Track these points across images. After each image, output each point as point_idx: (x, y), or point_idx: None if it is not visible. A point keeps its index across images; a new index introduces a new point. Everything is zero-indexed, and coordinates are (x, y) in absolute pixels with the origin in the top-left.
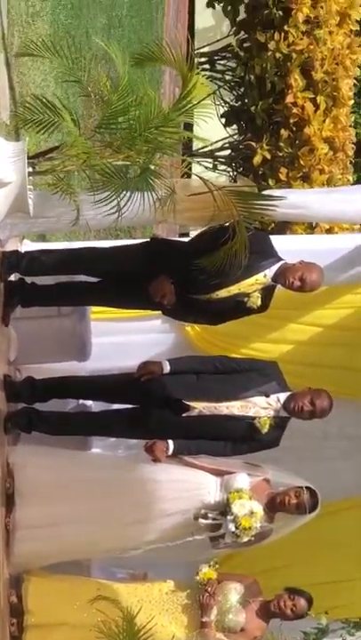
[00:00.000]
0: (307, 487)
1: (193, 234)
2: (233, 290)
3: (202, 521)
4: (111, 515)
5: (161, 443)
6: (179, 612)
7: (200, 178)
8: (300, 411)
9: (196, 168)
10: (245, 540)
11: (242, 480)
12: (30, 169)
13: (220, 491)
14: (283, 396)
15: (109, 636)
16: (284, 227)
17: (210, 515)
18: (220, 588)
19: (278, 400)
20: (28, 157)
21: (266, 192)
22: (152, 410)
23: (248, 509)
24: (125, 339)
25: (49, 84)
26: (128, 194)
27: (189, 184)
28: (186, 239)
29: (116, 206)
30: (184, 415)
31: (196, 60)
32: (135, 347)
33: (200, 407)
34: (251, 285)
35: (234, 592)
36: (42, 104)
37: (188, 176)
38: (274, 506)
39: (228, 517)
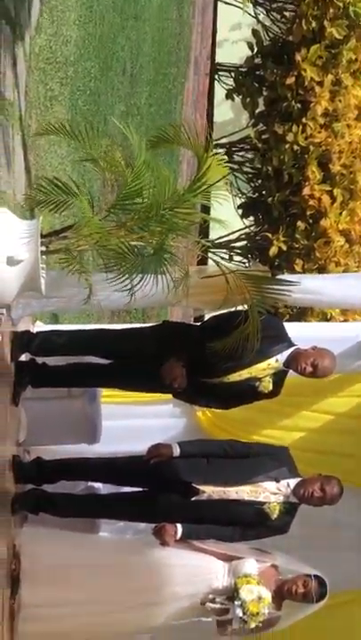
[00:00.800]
0: (315, 576)
1: (208, 317)
2: (244, 374)
3: (209, 605)
4: (116, 598)
5: (170, 526)
6: None
7: (214, 260)
8: (310, 497)
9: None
10: (253, 625)
11: (250, 566)
12: (43, 248)
13: (228, 576)
14: (293, 482)
15: None
16: (299, 317)
17: (217, 599)
18: None
19: (288, 485)
20: (42, 236)
21: (279, 277)
22: (161, 493)
23: (256, 595)
24: (136, 423)
25: (65, 168)
26: (141, 275)
27: (204, 269)
28: (198, 323)
29: (128, 287)
30: (193, 499)
31: (213, 150)
32: (145, 431)
33: (209, 491)
34: (263, 370)
35: None
36: (55, 185)
37: (204, 262)
38: (281, 593)
39: (236, 602)
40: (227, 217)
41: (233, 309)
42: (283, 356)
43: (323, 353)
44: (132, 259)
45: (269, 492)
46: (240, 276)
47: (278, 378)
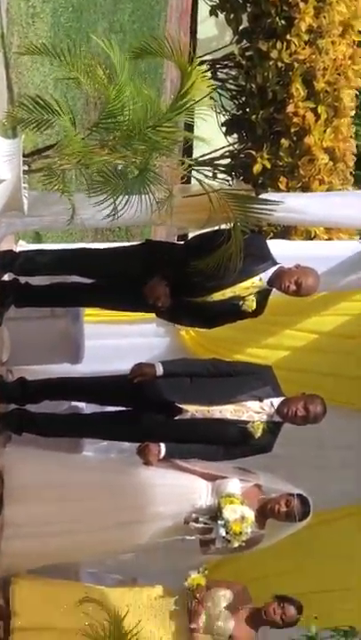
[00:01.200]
0: (298, 495)
1: (192, 236)
2: (228, 293)
3: (193, 524)
4: (100, 517)
5: (153, 446)
6: (167, 617)
7: (198, 180)
8: (294, 416)
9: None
10: (236, 545)
11: (233, 485)
12: (26, 167)
13: (212, 495)
14: (276, 401)
15: None
16: (283, 236)
17: (201, 519)
18: (209, 594)
19: (272, 405)
20: (24, 155)
21: (263, 195)
22: (144, 412)
23: (239, 514)
24: (119, 342)
25: (47, 86)
26: (124, 195)
27: (188, 188)
28: (182, 242)
29: (112, 207)
30: (176, 418)
31: (197, 66)
32: (129, 350)
33: (193, 410)
34: (246, 289)
35: (223, 599)
36: (37, 103)
37: (188, 181)
38: (264, 512)
39: (219, 522)
40: (210, 135)
41: (216, 228)
42: (266, 275)
43: (306, 271)
44: (115, 178)
45: (253, 412)
46: (223, 195)
47: (262, 297)
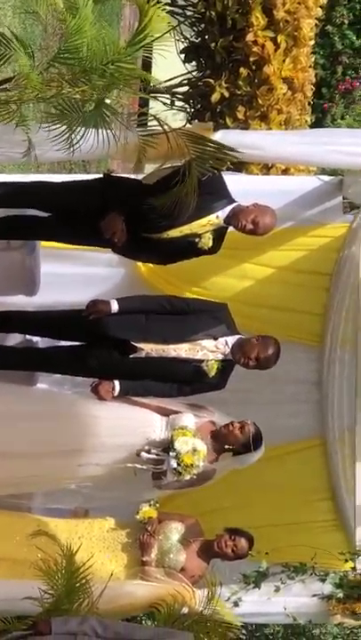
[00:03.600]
0: (251, 422)
1: (148, 171)
2: (185, 230)
3: (144, 455)
4: (51, 444)
5: (107, 383)
6: (119, 550)
7: (155, 118)
8: (246, 364)
9: (153, 104)
10: (187, 477)
11: (187, 419)
12: None
13: (166, 429)
14: (231, 340)
15: (48, 573)
16: (240, 166)
17: (153, 450)
18: (160, 527)
19: (227, 344)
20: None
21: (221, 130)
22: (99, 349)
23: (191, 446)
24: (75, 270)
25: (6, 14)
26: (83, 129)
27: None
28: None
29: (68, 141)
30: (131, 356)
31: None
32: (85, 280)
33: (148, 349)
34: (203, 226)
35: (175, 531)
36: None
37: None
38: (218, 439)
39: (171, 454)
40: (169, 62)
41: (173, 167)
42: (223, 213)
43: (264, 210)
44: (71, 111)
45: (207, 350)
46: (180, 135)
47: (218, 234)
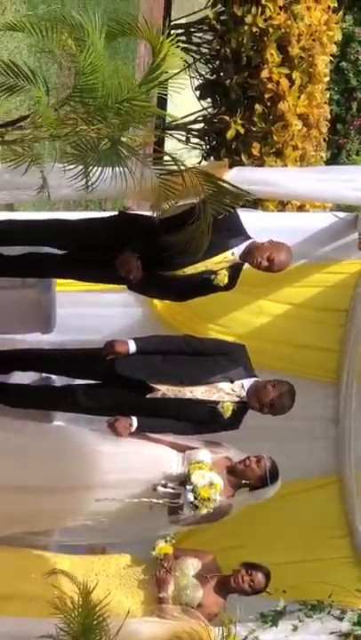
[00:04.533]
0: (268, 457)
1: None
2: (200, 267)
3: (160, 489)
4: (65, 479)
5: (125, 419)
6: (135, 586)
7: (170, 155)
8: (260, 411)
9: (168, 141)
10: (204, 511)
11: (203, 455)
12: None
13: (182, 464)
14: (247, 383)
15: (65, 611)
16: (256, 203)
17: (169, 484)
18: (176, 563)
19: (243, 387)
20: None
21: (237, 168)
22: (115, 388)
23: (208, 480)
24: (91, 311)
25: (21, 51)
26: (99, 168)
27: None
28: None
29: (84, 180)
30: (148, 396)
31: (171, 31)
32: (101, 320)
33: (164, 389)
34: (218, 263)
35: (191, 567)
36: (9, 69)
37: (160, 144)
38: (235, 474)
39: (188, 487)
40: (184, 99)
41: (189, 204)
42: (239, 250)
43: (279, 247)
44: (87, 150)
45: (224, 393)
46: (195, 174)
47: (234, 271)
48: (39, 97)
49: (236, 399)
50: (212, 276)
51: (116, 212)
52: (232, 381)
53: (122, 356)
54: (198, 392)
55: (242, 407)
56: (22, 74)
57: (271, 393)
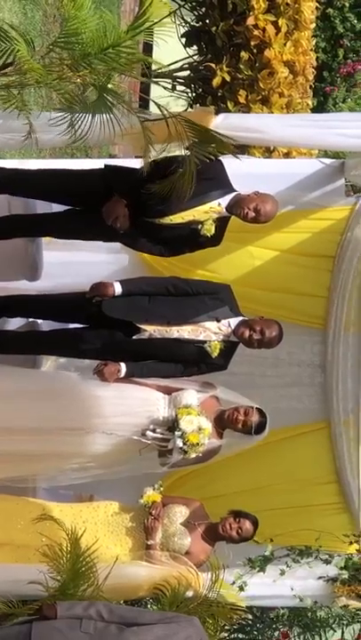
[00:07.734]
0: (257, 408)
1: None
2: (187, 216)
3: (149, 434)
4: (54, 421)
5: (113, 365)
6: (123, 534)
7: (156, 104)
8: (249, 339)
9: (154, 89)
10: (193, 456)
11: (190, 396)
12: None
13: (169, 407)
14: (234, 321)
15: (53, 559)
16: (242, 150)
17: (158, 430)
18: (164, 510)
19: (229, 325)
20: None
21: (223, 115)
22: (102, 331)
23: (196, 425)
24: (78, 256)
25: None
26: (83, 114)
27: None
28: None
29: (71, 127)
30: (134, 337)
31: None
32: (88, 265)
33: (151, 330)
34: (205, 213)
35: (179, 515)
36: None
37: (146, 92)
38: (222, 422)
39: (176, 433)
40: (170, 46)
41: (172, 154)
42: (225, 201)
43: (265, 198)
44: (75, 100)
45: (210, 332)
46: (181, 121)
47: (221, 223)
48: (23, 54)
49: (223, 338)
50: (199, 226)
51: (102, 165)
52: (218, 320)
53: (108, 299)
54: (185, 332)
55: (230, 346)
56: (5, 34)
57: (260, 323)
